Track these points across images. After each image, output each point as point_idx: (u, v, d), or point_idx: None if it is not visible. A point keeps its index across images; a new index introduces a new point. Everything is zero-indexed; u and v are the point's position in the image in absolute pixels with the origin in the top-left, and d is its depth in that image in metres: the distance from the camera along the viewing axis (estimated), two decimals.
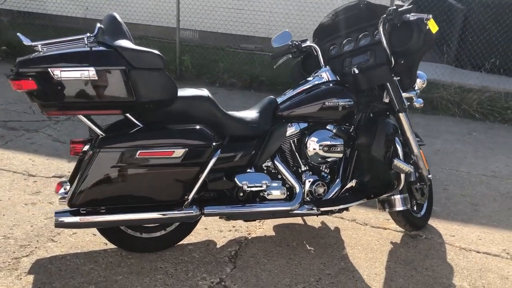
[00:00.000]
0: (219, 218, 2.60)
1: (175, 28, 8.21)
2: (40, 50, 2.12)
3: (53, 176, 3.39)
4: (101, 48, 2.14)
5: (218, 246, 2.69)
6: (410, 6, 2.46)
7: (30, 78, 2.00)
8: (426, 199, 2.99)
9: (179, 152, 2.19)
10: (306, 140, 2.62)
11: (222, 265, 2.51)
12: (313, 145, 2.60)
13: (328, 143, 2.60)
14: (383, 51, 2.66)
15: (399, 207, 2.77)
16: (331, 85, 2.69)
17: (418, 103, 2.86)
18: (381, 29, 2.61)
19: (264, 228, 2.92)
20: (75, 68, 2.04)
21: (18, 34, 2.12)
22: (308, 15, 7.86)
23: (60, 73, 2.02)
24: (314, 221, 3.03)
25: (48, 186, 3.22)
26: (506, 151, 4.92)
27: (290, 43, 2.91)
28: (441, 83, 6.94)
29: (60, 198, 2.42)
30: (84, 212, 2.21)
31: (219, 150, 2.31)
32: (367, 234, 2.95)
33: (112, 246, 2.55)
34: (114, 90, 2.11)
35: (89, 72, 2.05)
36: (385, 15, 2.55)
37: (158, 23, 9.09)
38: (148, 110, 2.23)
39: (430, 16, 2.45)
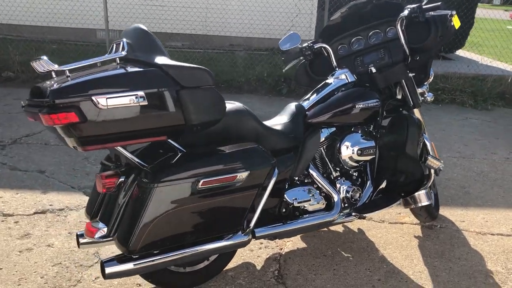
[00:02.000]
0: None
1: (93, 30, 7.62)
2: (68, 75, 1.79)
3: (35, 213, 2.94)
4: (142, 68, 1.85)
5: (258, 267, 2.51)
6: (439, 3, 2.45)
7: (71, 110, 1.68)
8: (436, 189, 3.07)
9: (241, 176, 1.98)
10: (339, 145, 2.53)
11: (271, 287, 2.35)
12: (347, 150, 2.52)
13: (363, 146, 2.53)
14: (398, 48, 2.65)
15: (424, 202, 2.81)
16: (352, 87, 2.62)
17: (429, 97, 2.89)
18: (398, 26, 2.59)
19: (293, 240, 2.79)
20: (122, 93, 1.74)
21: (44, 57, 1.76)
22: (246, 10, 7.71)
23: (106, 101, 1.72)
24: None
25: (35, 226, 2.79)
26: (455, 131, 5.25)
27: (300, 45, 2.78)
28: None
29: (84, 243, 2.13)
30: (137, 256, 1.92)
31: (276, 168, 2.13)
32: (389, 231, 2.95)
33: (148, 285, 2.27)
34: (163, 115, 1.85)
35: (138, 97, 1.77)
36: (407, 12, 2.52)
37: (72, 25, 8.39)
38: (193, 133, 1.99)
39: (454, 12, 2.46)
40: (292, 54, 2.80)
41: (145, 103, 1.78)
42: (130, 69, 1.84)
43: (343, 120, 2.52)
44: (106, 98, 1.71)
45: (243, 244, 2.17)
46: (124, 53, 1.88)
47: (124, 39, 1.97)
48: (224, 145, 2.09)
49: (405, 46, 2.62)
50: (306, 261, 2.59)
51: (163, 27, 7.96)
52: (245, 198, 2.05)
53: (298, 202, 2.32)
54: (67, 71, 1.78)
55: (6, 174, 3.48)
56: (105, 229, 2.01)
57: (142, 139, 1.89)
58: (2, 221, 2.83)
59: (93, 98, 1.70)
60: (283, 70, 2.92)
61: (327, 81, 2.67)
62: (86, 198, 3.16)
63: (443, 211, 3.24)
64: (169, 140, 2.00)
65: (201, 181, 1.90)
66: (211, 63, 7.11)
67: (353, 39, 2.80)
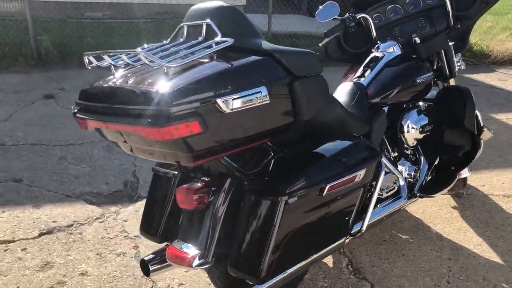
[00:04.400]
0: None
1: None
2: (166, 71, 1.39)
3: (40, 235, 2.42)
4: (251, 57, 1.50)
5: (329, 264, 2.31)
6: None
7: (193, 119, 1.30)
8: None
9: (360, 175, 1.74)
10: (402, 124, 2.37)
11: (357, 285, 2.17)
12: (411, 128, 2.38)
13: (423, 123, 2.41)
14: (441, 16, 2.53)
15: (466, 174, 2.79)
16: (399, 59, 2.44)
17: (462, 65, 2.81)
18: None
19: None
20: (245, 92, 1.39)
21: (139, 49, 1.33)
22: None
23: (232, 103, 1.36)
24: None
25: (51, 251, 2.29)
26: None
27: (338, 16, 2.52)
28: (303, 33, 7.21)
29: (156, 270, 1.78)
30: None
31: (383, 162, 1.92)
32: (426, 205, 2.90)
33: None
34: (276, 113, 1.52)
35: (262, 95, 1.43)
36: None
37: None
38: (295, 131, 1.68)
39: None
40: (335, 26, 2.53)
41: (268, 101, 1.45)
42: (239, 60, 1.48)
43: (405, 97, 2.35)
44: (232, 99, 1.36)
45: (341, 245, 1.95)
46: (229, 40, 1.50)
47: (209, 20, 1.58)
48: (319, 139, 1.82)
49: (450, 13, 2.50)
50: (372, 249, 2.44)
51: None
52: (357, 198, 1.82)
53: (386, 192, 2.14)
54: (166, 68, 1.38)
55: None
56: (198, 253, 1.65)
57: (249, 144, 1.54)
58: (5, 250, 2.28)
59: (218, 101, 1.33)
60: (320, 45, 2.64)
61: (375, 54, 2.46)
62: (93, 208, 2.69)
63: None
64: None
65: (328, 186, 1.62)
66: (138, 36, 6.49)
67: (389, 8, 2.61)
